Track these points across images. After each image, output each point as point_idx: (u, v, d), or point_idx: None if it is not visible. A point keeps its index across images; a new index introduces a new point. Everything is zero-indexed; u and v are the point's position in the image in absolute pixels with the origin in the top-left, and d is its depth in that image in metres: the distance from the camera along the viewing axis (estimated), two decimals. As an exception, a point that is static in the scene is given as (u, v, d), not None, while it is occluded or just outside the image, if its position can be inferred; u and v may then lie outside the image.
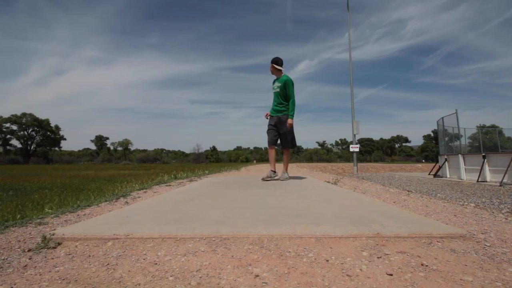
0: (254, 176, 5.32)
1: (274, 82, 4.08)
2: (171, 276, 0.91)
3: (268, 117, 4.15)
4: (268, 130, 4.08)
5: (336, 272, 0.93)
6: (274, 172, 4.08)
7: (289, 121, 3.83)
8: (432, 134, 68.13)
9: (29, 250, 1.16)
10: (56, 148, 58.97)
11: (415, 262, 1.01)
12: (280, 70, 3.98)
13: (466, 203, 2.78)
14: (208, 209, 1.88)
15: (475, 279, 0.88)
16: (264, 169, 10.52)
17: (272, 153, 4.11)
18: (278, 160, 5.20)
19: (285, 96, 3.95)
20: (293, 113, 3.89)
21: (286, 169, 4.12)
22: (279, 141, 4.07)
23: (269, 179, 4.00)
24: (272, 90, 4.10)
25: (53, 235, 1.27)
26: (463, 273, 0.92)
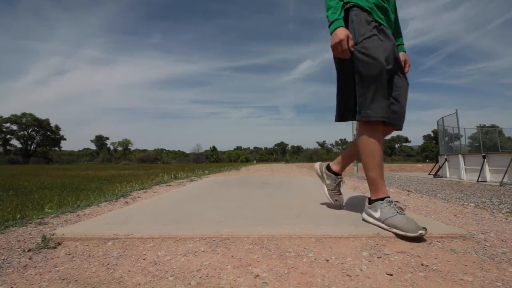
0: (254, 176, 5.32)
1: None
2: (171, 276, 0.91)
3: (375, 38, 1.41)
4: (385, 74, 1.37)
5: (336, 272, 0.93)
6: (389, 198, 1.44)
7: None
8: (432, 134, 68.18)
9: (29, 250, 1.16)
10: (56, 148, 59.09)
11: (415, 262, 1.01)
12: None
13: (466, 203, 2.78)
14: (208, 209, 1.88)
15: (475, 279, 0.88)
16: (264, 169, 10.47)
17: (379, 149, 1.43)
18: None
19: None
20: None
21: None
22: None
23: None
24: None
25: (53, 235, 1.27)
26: (463, 273, 0.92)
